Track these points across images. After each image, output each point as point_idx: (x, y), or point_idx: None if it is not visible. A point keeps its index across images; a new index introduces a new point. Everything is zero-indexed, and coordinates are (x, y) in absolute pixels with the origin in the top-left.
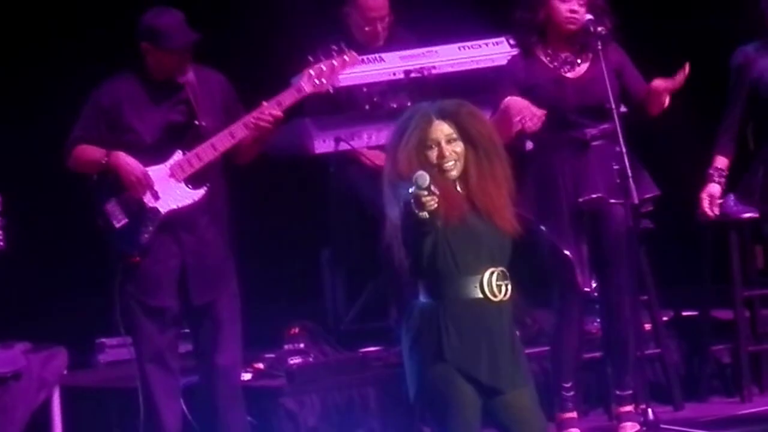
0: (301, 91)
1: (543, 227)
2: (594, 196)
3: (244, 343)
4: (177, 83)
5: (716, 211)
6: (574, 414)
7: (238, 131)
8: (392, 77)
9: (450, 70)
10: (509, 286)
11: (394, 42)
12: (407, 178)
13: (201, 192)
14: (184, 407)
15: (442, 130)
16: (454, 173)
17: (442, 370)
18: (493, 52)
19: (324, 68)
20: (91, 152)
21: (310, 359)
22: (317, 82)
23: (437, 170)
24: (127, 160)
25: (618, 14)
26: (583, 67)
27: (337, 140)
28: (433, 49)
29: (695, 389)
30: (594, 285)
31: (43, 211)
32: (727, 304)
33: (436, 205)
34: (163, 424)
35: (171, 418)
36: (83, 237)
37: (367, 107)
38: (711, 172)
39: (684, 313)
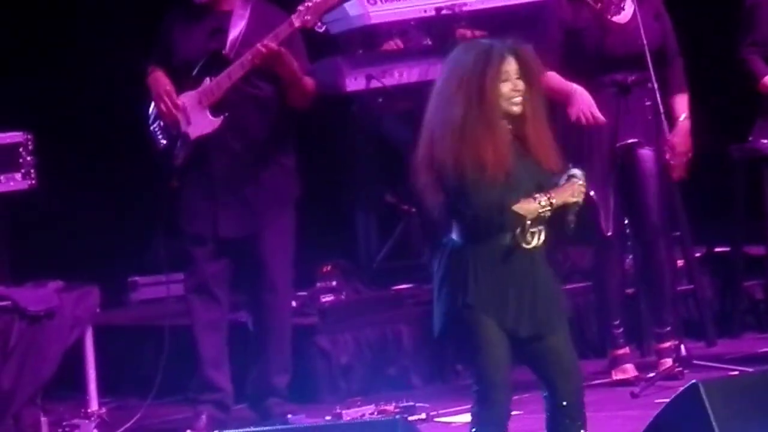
0: (291, 24)
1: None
2: (630, 141)
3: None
4: (222, 12)
5: None
6: (626, 350)
7: (245, 61)
8: (423, 14)
9: (481, 6)
10: (543, 233)
11: None
12: (487, 109)
13: (219, 120)
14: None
15: (513, 65)
16: (519, 109)
17: (467, 312)
18: None
19: (309, 4)
20: (149, 75)
21: (343, 297)
22: (305, 17)
23: (506, 104)
24: (157, 76)
25: None
26: (629, 12)
27: (369, 78)
28: None
29: (728, 325)
30: (614, 231)
31: (74, 149)
32: (760, 240)
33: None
34: (201, 355)
35: (210, 350)
36: (115, 176)
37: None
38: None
39: (717, 249)
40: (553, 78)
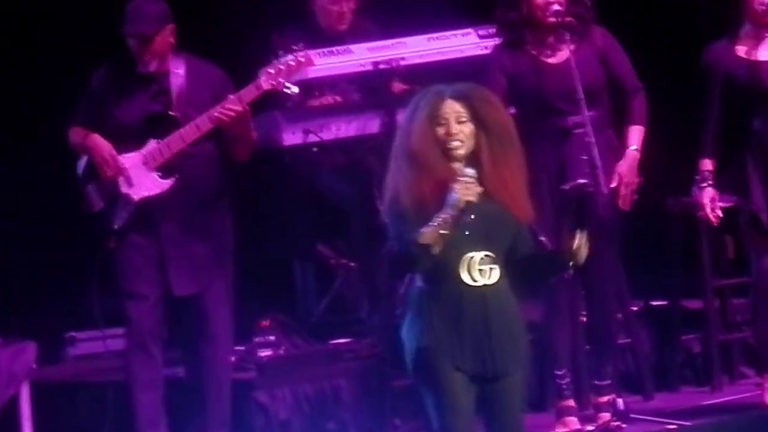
0: (259, 87)
1: None
2: (580, 181)
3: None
4: (159, 73)
5: (719, 214)
6: (571, 402)
7: (203, 124)
8: (361, 69)
9: (419, 61)
10: (495, 271)
11: (358, 32)
12: (416, 152)
13: (169, 182)
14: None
15: (454, 108)
16: (461, 152)
17: (425, 357)
18: (462, 43)
19: (282, 67)
20: (76, 134)
21: (281, 351)
22: (274, 80)
23: (442, 149)
24: (98, 141)
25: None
26: (564, 53)
27: (306, 132)
28: (402, 40)
29: (666, 379)
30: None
31: (11, 204)
32: (698, 293)
33: (475, 197)
34: (137, 414)
35: (148, 409)
36: (52, 230)
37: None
38: (702, 175)
39: (654, 303)
40: None
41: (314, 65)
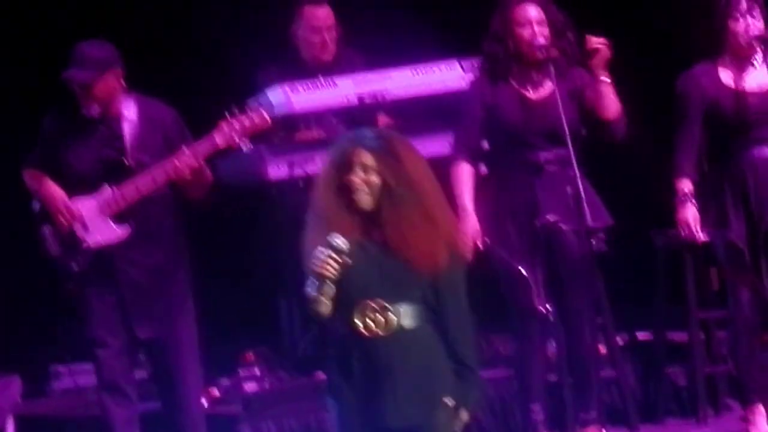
0: (214, 144)
1: (497, 249)
2: (550, 219)
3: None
4: (110, 118)
5: (702, 235)
6: None
7: (159, 177)
8: (346, 102)
9: (404, 95)
10: (389, 320)
11: (342, 63)
12: (318, 200)
13: (125, 231)
14: None
15: (362, 157)
16: (363, 204)
17: (334, 410)
18: (447, 76)
19: (236, 125)
20: (30, 178)
21: (266, 385)
22: (229, 137)
23: (346, 200)
24: (51, 190)
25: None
26: (546, 90)
27: (291, 165)
28: (387, 73)
29: (651, 412)
30: (549, 309)
31: None
32: (682, 326)
33: (334, 274)
34: None
35: None
36: (36, 264)
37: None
38: (683, 196)
39: (639, 336)
40: (457, 185)
41: (269, 126)
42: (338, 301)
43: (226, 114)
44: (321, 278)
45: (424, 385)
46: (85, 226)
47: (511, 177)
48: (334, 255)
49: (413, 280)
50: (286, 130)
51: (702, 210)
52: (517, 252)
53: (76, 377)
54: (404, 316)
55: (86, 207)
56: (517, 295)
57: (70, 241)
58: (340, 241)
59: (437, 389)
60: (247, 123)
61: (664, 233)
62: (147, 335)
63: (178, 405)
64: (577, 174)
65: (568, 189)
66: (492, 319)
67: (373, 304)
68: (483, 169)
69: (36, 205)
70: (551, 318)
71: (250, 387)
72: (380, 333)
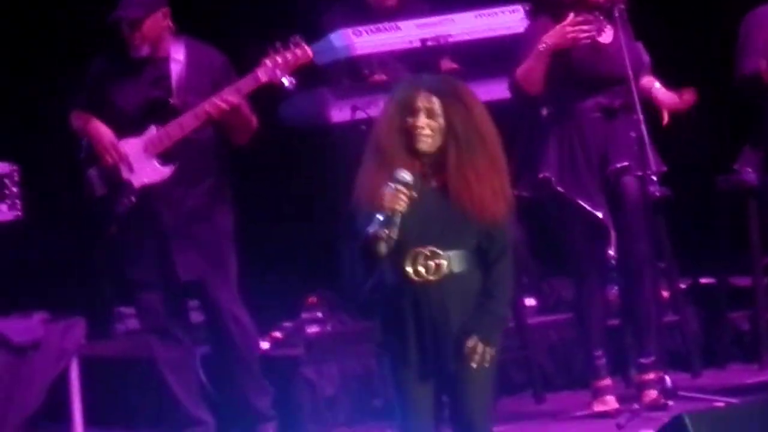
0: (257, 79)
1: (571, 193)
2: (622, 164)
3: (261, 312)
4: (158, 59)
5: None
6: (608, 381)
7: (200, 113)
8: (409, 45)
9: (467, 38)
10: (440, 265)
11: (407, 7)
12: (379, 141)
13: (169, 170)
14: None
15: (426, 100)
16: (424, 147)
17: (381, 352)
18: (510, 20)
19: (279, 60)
20: (77, 119)
21: (328, 328)
22: (272, 72)
23: (407, 142)
24: (99, 128)
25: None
26: (609, 34)
27: (354, 109)
28: (450, 17)
29: (714, 357)
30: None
31: (60, 180)
32: (746, 271)
33: (404, 207)
34: (175, 394)
35: (183, 388)
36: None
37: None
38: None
39: (702, 281)
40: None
41: (312, 60)
42: (392, 247)
43: (269, 50)
44: (391, 212)
45: (455, 332)
46: (130, 167)
47: (581, 123)
48: (403, 188)
49: (470, 228)
50: (350, 74)
51: (759, 154)
52: (592, 194)
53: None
54: (454, 261)
55: (132, 148)
56: (585, 241)
57: (116, 182)
58: (406, 175)
59: (467, 335)
60: (289, 58)
61: (728, 178)
62: (189, 277)
63: (227, 347)
64: (641, 118)
65: (632, 133)
66: (554, 264)
67: (425, 251)
68: (544, 111)
69: (82, 149)
70: (613, 263)
71: (312, 330)
72: (431, 279)
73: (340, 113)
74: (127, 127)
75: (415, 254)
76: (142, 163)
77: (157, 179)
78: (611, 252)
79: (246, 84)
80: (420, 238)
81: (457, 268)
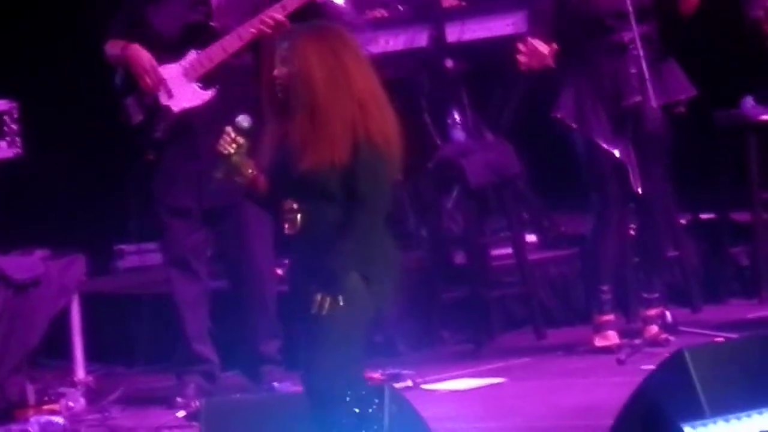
0: None
1: (587, 132)
2: (636, 99)
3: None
4: None
5: None
6: (611, 316)
7: (245, 33)
8: None
9: None
10: (295, 220)
11: None
12: (262, 97)
13: (209, 93)
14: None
15: (281, 49)
16: (279, 96)
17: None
18: None
19: None
20: (114, 45)
21: None
22: None
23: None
24: (138, 52)
25: None
26: None
27: None
28: None
29: (714, 291)
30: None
31: (60, 117)
32: (746, 206)
33: (230, 153)
34: (185, 330)
35: (194, 324)
36: (100, 142)
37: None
38: None
39: (702, 216)
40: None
41: None
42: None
43: None
44: (221, 156)
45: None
46: (169, 93)
47: (594, 61)
48: (232, 133)
49: (317, 179)
50: (351, 11)
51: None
52: (609, 133)
53: (141, 256)
54: (308, 215)
55: (171, 73)
56: (603, 177)
57: (154, 108)
58: (243, 121)
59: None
60: None
61: (727, 113)
62: (221, 202)
63: (246, 280)
64: (641, 54)
65: (633, 69)
66: (555, 199)
67: (286, 206)
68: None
69: (118, 77)
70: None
71: None
72: (292, 232)
73: None
74: (166, 52)
75: (282, 208)
76: (182, 87)
77: (198, 102)
78: (635, 187)
79: (290, 2)
80: (284, 191)
81: (312, 221)
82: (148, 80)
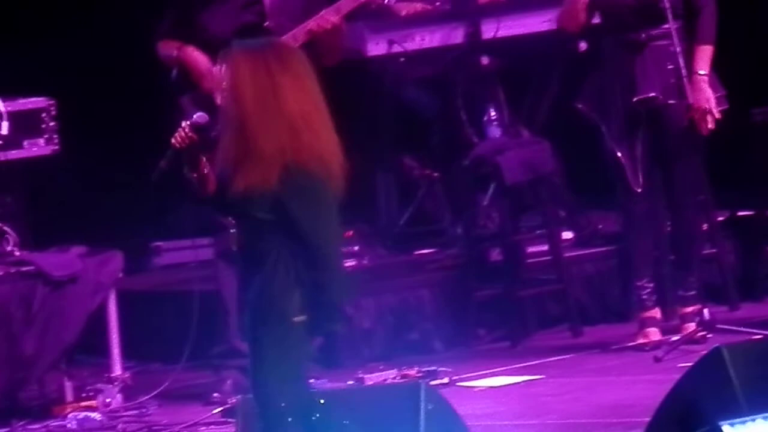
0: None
1: (602, 127)
2: (649, 95)
3: None
4: None
5: None
6: (653, 312)
7: (300, 35)
8: None
9: None
10: (233, 235)
11: None
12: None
13: None
14: None
15: (222, 65)
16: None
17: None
18: None
19: None
20: (167, 46)
21: (364, 262)
22: None
23: None
24: (195, 55)
25: None
26: None
27: (390, 42)
28: None
29: (751, 289)
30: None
31: (97, 114)
32: None
33: (179, 146)
34: (229, 323)
35: (234, 319)
36: (139, 140)
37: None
38: None
39: (740, 213)
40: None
41: None
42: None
43: None
44: (172, 147)
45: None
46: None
47: (613, 55)
48: (186, 127)
49: (245, 201)
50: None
51: None
52: (617, 129)
53: (177, 253)
54: (245, 232)
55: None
56: (616, 174)
57: (211, 109)
58: (198, 117)
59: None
60: None
61: (764, 110)
62: None
63: None
64: (678, 50)
65: (669, 65)
66: (591, 197)
67: (227, 222)
68: (582, 45)
69: (172, 76)
70: (644, 197)
71: (348, 263)
72: (234, 248)
73: (376, 47)
74: (218, 52)
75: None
76: None
77: None
78: (633, 185)
79: (346, 4)
80: (224, 208)
81: (248, 240)
82: (206, 84)
